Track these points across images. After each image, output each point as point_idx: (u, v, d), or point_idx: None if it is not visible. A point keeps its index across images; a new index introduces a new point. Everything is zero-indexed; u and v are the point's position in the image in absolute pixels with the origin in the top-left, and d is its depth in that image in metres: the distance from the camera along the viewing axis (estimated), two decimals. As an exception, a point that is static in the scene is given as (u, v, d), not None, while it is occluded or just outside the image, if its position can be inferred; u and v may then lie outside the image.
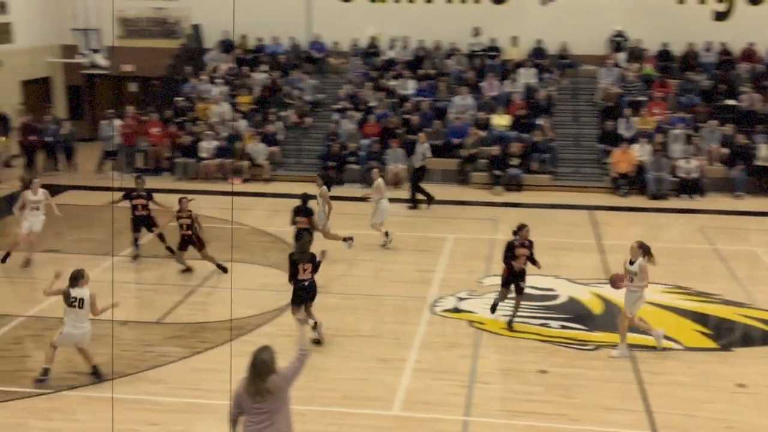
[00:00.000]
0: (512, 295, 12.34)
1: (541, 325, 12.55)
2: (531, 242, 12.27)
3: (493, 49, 24.74)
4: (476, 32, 24.82)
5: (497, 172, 20.98)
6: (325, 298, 13.49)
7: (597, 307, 13.37)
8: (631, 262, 11.22)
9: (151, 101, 24.28)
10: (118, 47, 26.10)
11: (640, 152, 20.94)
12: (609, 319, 12.72)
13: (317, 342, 11.67)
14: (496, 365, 11.26)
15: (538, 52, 24.60)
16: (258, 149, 21.88)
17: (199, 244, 14.43)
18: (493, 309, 12.51)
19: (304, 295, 11.61)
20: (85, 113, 26.31)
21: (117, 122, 22.42)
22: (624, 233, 18.15)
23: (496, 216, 18.72)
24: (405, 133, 22.07)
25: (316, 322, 11.69)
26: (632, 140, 21.22)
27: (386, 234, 16.21)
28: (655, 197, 20.38)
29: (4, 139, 20.86)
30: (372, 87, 23.73)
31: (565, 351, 11.66)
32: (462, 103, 22.86)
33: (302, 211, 14.85)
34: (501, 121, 22.38)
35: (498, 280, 13.14)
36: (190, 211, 14.47)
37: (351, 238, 15.42)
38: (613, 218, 19.09)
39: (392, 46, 25.21)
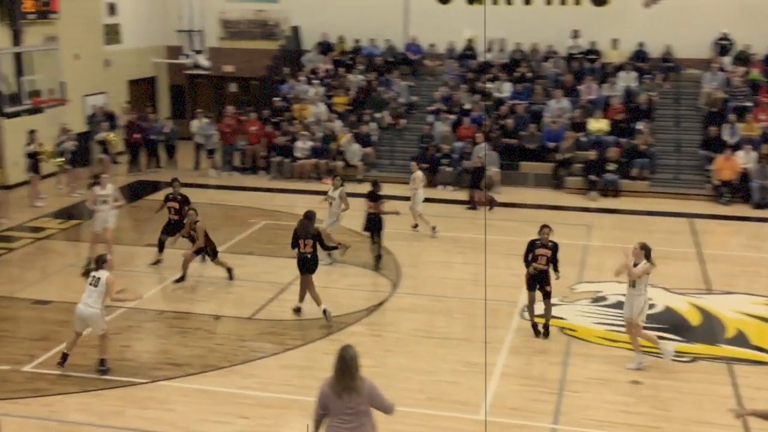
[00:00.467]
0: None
1: (636, 334, 12.25)
2: (555, 244, 11.88)
3: (592, 52, 24.32)
4: (575, 34, 24.44)
5: (593, 177, 20.60)
6: (416, 299, 13.59)
7: (695, 318, 12.98)
8: (635, 265, 10.79)
9: (249, 101, 24.80)
10: (219, 48, 26.75)
11: (745, 159, 20.23)
12: (707, 330, 12.36)
13: (297, 310, 12.56)
14: (587, 374, 11.05)
15: (639, 55, 24.06)
16: (352, 150, 22.07)
17: (198, 248, 14.05)
18: (535, 328, 12.07)
19: (302, 267, 12.50)
20: (187, 112, 27.04)
21: (205, 120, 22.95)
22: (726, 243, 17.60)
23: (591, 222, 18.39)
24: (499, 136, 21.92)
25: (325, 310, 12.38)
26: (736, 147, 20.52)
27: (415, 225, 17.00)
28: (759, 206, 19.64)
29: (113, 135, 21.62)
30: (467, 89, 23.65)
31: (660, 362, 11.34)
32: (558, 106, 22.55)
33: (372, 197, 15.26)
34: (598, 125, 21.97)
35: (590, 287, 12.96)
36: (196, 222, 13.93)
37: (336, 248, 14.64)
38: (714, 227, 18.50)
39: (489, 48, 25.06)
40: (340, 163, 22.01)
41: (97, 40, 24.21)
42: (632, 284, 10.91)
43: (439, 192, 20.89)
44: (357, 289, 14.13)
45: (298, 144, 22.36)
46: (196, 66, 26.39)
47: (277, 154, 22.64)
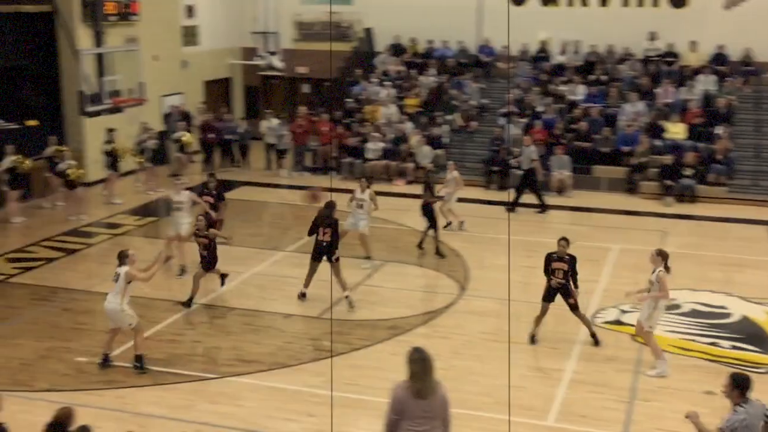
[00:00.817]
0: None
1: (711, 344, 11.98)
2: (572, 257, 11.74)
3: (669, 54, 23.82)
4: (652, 37, 23.98)
5: (669, 183, 20.18)
6: (484, 303, 13.52)
7: (773, 329, 12.63)
8: (654, 272, 10.81)
9: (321, 102, 25.03)
10: (293, 50, 27.07)
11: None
12: (785, 342, 12.00)
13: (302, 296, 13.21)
14: (659, 382, 10.83)
15: (718, 58, 23.48)
16: (423, 152, 22.08)
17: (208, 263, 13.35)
18: (532, 339, 11.97)
19: (317, 254, 13.19)
20: (260, 113, 27.41)
21: (275, 121, 23.20)
22: (807, 252, 17.05)
23: (666, 228, 18.02)
24: (572, 140, 21.66)
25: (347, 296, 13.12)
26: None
27: (448, 222, 17.28)
28: (842, 214, 19.00)
29: (188, 135, 22.06)
30: (540, 92, 23.44)
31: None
32: (633, 109, 22.16)
33: (426, 187, 15.83)
34: (675, 129, 21.51)
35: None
36: (207, 231, 13.33)
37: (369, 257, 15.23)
38: (795, 235, 17.95)
39: (563, 50, 24.78)
40: (410, 165, 22.04)
41: (175, 41, 24.73)
42: (648, 290, 10.94)
43: (510, 195, 20.73)
44: (425, 290, 14.13)
45: (369, 145, 22.47)
46: (270, 67, 26.78)
47: (348, 155, 22.79)
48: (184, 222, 14.61)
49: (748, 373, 7.44)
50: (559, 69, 24.38)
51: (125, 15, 21.92)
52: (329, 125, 23.17)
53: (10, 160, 17.48)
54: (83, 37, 20.67)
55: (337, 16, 27.23)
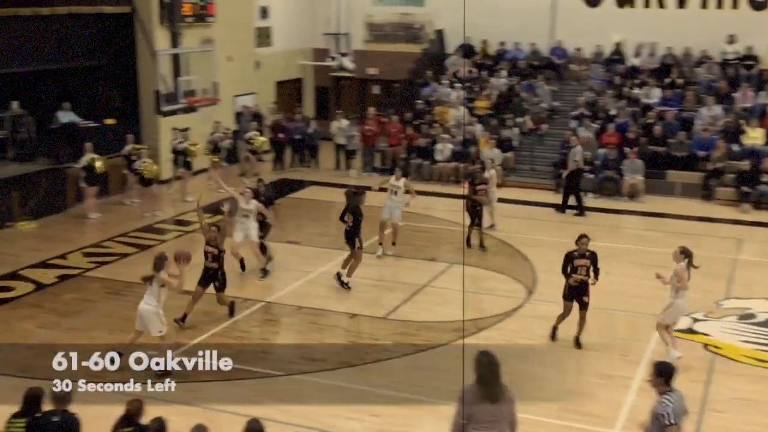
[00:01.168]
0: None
1: (786, 355, 11.65)
2: (593, 253, 11.71)
3: (748, 58, 23.20)
4: (731, 39, 23.38)
5: (746, 189, 19.64)
6: (552, 307, 13.33)
7: None
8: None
9: (391, 103, 25.09)
10: (364, 51, 27.21)
11: None
12: None
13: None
14: (732, 393, 10.56)
15: (800, 61, 22.82)
16: (492, 154, 21.93)
17: (220, 284, 12.62)
18: (554, 334, 12.04)
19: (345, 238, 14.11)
20: (330, 113, 27.64)
21: (345, 122, 23.32)
22: None
23: (742, 235, 17.56)
24: (646, 144, 21.26)
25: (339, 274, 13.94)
26: None
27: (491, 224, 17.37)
28: None
29: (260, 136, 22.34)
30: (613, 95, 23.07)
31: (811, 385, 10.74)
32: (710, 114, 21.65)
33: (472, 181, 16.43)
34: (753, 134, 20.93)
35: (738, 303, 12.44)
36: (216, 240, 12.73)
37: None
38: None
39: (638, 53, 24.34)
40: (478, 167, 21.88)
41: (249, 42, 25.09)
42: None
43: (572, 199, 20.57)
44: (491, 293, 14.04)
45: (438, 147, 22.43)
46: (341, 68, 26.97)
47: (417, 156, 22.78)
48: (253, 226, 14.50)
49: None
50: (634, 72, 23.96)
51: (201, 16, 22.33)
52: (398, 126, 23.22)
53: (86, 159, 17.95)
54: (160, 37, 21.11)
55: (408, 17, 27.29)
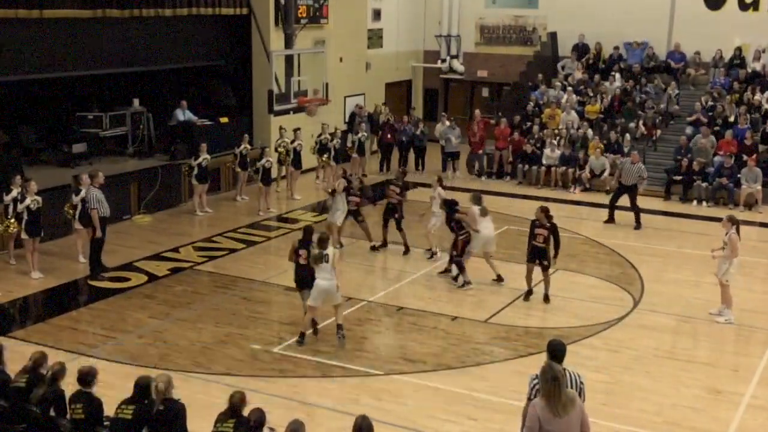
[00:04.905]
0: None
1: None
2: (552, 225, 13.27)
3: None
4: None
5: None
6: (659, 318, 13.00)
7: None
8: (726, 234, 12.46)
9: (500, 106, 24.85)
10: (474, 53, 27.09)
11: None
12: None
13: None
14: None
15: None
16: (599, 163, 21.43)
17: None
18: (528, 294, 13.72)
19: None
20: (438, 115, 27.62)
21: (447, 124, 23.11)
22: None
23: None
24: (766, 152, 20.37)
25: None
26: None
27: None
28: None
29: (365, 136, 22.56)
30: (733, 100, 22.20)
31: None
32: (836, 121, 20.61)
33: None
34: None
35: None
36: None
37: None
38: None
39: (758, 57, 23.33)
40: (587, 174, 21.48)
41: (361, 44, 25.33)
42: (722, 249, 12.54)
43: (694, 208, 19.87)
44: (597, 301, 13.73)
45: (547, 152, 22.09)
46: (451, 70, 26.96)
47: (525, 160, 22.46)
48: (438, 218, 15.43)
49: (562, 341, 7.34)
50: (755, 77, 23.00)
51: (315, 18, 22.63)
52: (506, 130, 22.94)
53: (201, 158, 18.42)
54: (275, 39, 21.53)
55: (521, 19, 27.01)
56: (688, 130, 21.82)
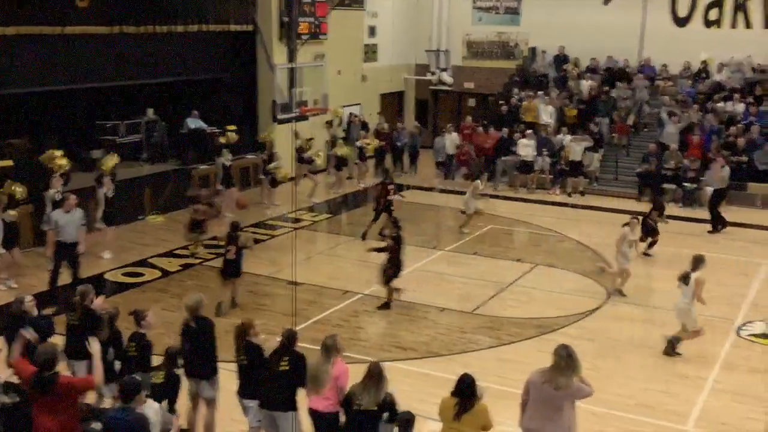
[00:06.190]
0: None
1: None
2: (398, 236, 12.76)
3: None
4: (817, 58, 22.25)
5: (828, 202, 18.64)
6: (631, 309, 13.01)
7: None
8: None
9: (485, 115, 24.84)
10: (462, 67, 27.10)
11: None
12: None
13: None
14: (806, 397, 10.04)
15: None
16: (581, 145, 21.44)
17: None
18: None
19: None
20: (429, 124, 27.64)
21: (453, 135, 23.16)
22: None
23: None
24: (729, 156, 20.40)
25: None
26: None
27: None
28: None
29: (369, 141, 22.54)
30: (699, 109, 22.22)
31: None
32: (794, 128, 20.65)
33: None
34: (837, 149, 19.86)
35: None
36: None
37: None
38: None
39: (722, 69, 23.38)
40: (581, 178, 21.45)
41: (357, 57, 25.33)
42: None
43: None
44: (575, 294, 13.74)
45: (523, 141, 21.94)
46: (440, 82, 26.95)
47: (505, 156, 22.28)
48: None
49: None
50: (719, 88, 23.04)
51: (316, 34, 22.66)
52: (492, 137, 22.83)
53: (221, 160, 18.33)
54: (278, 53, 21.55)
55: (504, 35, 27.04)
56: (657, 135, 21.82)
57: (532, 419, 6.98)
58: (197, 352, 8.33)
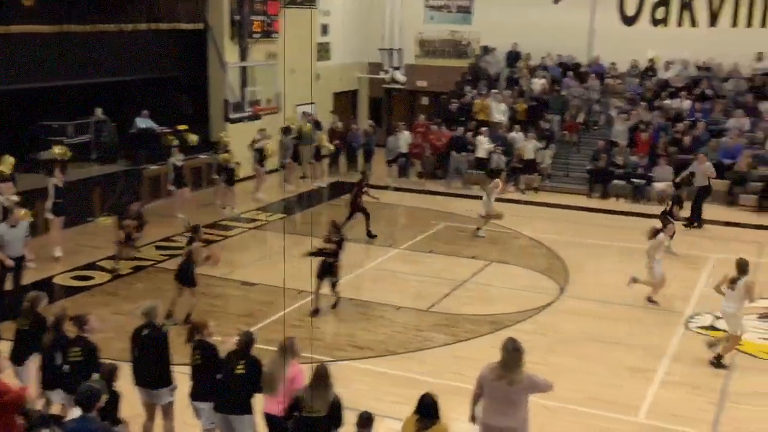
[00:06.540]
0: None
1: (804, 352, 11.32)
2: (340, 240, 12.50)
3: (776, 73, 22.65)
4: (759, 57, 22.81)
5: (770, 196, 19.17)
6: (582, 303, 13.22)
7: None
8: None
9: (438, 113, 24.97)
10: (414, 65, 27.20)
11: None
12: None
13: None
14: (750, 387, 10.31)
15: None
16: (532, 143, 21.71)
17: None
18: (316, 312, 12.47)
19: None
20: (383, 122, 27.68)
21: (406, 134, 23.25)
22: None
23: (763, 240, 17.13)
24: (675, 153, 20.87)
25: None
26: None
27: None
28: None
29: (330, 145, 22.48)
30: (646, 107, 22.67)
31: (829, 382, 10.43)
32: (737, 125, 21.16)
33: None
34: (778, 144, 20.44)
35: (757, 303, 12.21)
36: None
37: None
38: None
39: (669, 67, 23.89)
40: (535, 175, 21.70)
41: (310, 56, 25.18)
42: None
43: (611, 203, 20.27)
44: (528, 290, 13.91)
45: (480, 138, 22.13)
46: (393, 81, 27.02)
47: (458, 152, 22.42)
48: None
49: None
50: (666, 85, 23.53)
51: (268, 33, 22.52)
52: (445, 135, 23.00)
53: (172, 159, 18.15)
54: (230, 52, 21.36)
55: (456, 34, 27.21)
56: (606, 132, 22.18)
57: (489, 415, 7.06)
58: (148, 361, 8.21)
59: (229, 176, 18.83)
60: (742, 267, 10.70)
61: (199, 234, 12.23)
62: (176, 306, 12.14)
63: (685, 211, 17.74)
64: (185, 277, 12.14)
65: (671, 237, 14.12)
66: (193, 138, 18.96)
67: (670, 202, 16.29)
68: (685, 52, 23.55)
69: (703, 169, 18.41)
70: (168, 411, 8.36)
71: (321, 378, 7.09)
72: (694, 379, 10.53)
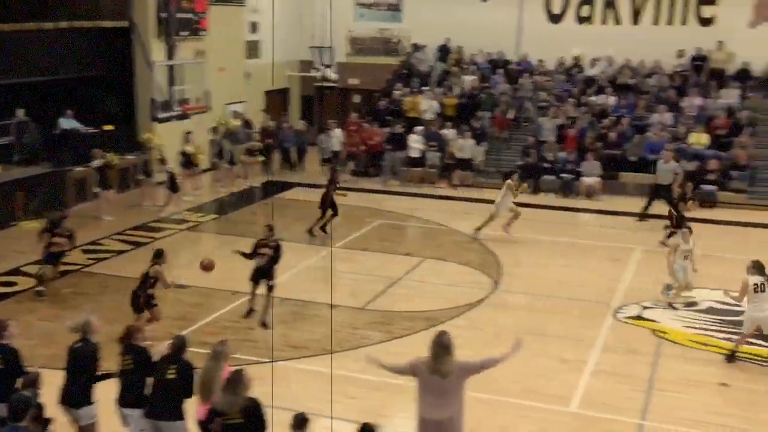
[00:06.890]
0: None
1: (726, 339, 11.73)
2: (277, 245, 12.23)
3: (696, 68, 23.40)
4: (680, 54, 23.57)
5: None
6: (517, 298, 13.45)
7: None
8: None
9: (370, 111, 25.05)
10: (346, 63, 27.20)
11: None
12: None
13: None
14: (676, 374, 10.66)
15: (743, 73, 22.99)
16: (468, 141, 21.97)
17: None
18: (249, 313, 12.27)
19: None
20: (315, 120, 27.60)
21: (337, 132, 23.25)
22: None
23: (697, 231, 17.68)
24: (602, 148, 21.40)
25: None
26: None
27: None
28: None
29: (259, 144, 22.30)
30: (573, 103, 23.17)
31: (750, 366, 10.87)
32: (660, 120, 21.82)
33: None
34: (699, 138, 21.12)
35: (684, 292, 12.65)
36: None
37: None
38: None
39: (594, 64, 24.49)
40: (468, 172, 21.88)
41: (239, 54, 24.97)
42: None
43: (542, 198, 20.66)
44: (460, 285, 14.08)
45: (412, 137, 22.32)
46: (325, 79, 26.97)
47: (393, 150, 22.54)
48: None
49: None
50: (592, 82, 24.09)
51: (195, 30, 22.19)
52: (378, 133, 23.07)
53: (98, 161, 17.74)
54: (157, 50, 20.98)
55: (387, 32, 27.30)
56: (535, 128, 22.58)
57: (424, 409, 7.11)
58: (74, 378, 7.85)
59: (172, 182, 18.53)
60: (762, 268, 10.88)
61: (162, 258, 11.53)
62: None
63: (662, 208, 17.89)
64: (136, 303, 11.52)
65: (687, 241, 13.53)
66: (113, 158, 18.39)
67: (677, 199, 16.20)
68: (610, 49, 24.16)
69: (668, 167, 18.78)
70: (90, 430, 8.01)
71: (231, 383, 6.94)
72: (623, 368, 10.83)
